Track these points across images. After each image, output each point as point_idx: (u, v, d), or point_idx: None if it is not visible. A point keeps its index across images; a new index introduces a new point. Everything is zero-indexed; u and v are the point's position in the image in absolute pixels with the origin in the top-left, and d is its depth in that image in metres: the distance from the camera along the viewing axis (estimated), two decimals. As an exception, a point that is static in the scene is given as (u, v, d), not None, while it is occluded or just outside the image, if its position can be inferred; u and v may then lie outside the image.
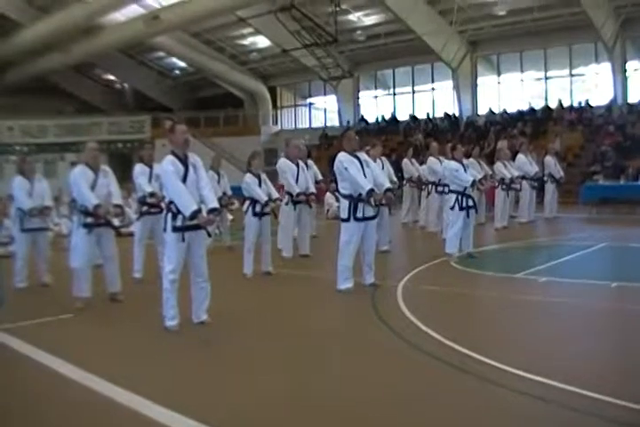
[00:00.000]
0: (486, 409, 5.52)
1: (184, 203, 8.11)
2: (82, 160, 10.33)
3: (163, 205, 8.99)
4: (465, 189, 13.00)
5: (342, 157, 10.47)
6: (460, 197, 12.93)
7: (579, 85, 34.76)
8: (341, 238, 10.57)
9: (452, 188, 13.27)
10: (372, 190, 10.15)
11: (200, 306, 8.59)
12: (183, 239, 8.28)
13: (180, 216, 8.21)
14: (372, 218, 10.58)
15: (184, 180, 8.29)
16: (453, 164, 13.23)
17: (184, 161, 8.39)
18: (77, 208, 10.12)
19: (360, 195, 10.24)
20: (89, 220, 9.90)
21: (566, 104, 33.35)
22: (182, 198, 8.14)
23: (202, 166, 8.63)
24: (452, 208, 13.04)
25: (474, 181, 13.05)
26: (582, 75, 34.66)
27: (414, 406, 5.64)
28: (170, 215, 8.31)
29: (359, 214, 10.34)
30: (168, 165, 8.28)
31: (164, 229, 8.43)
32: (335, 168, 10.55)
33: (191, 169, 8.39)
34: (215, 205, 8.47)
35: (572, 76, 34.61)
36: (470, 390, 5.94)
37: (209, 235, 8.90)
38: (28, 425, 5.60)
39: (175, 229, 8.27)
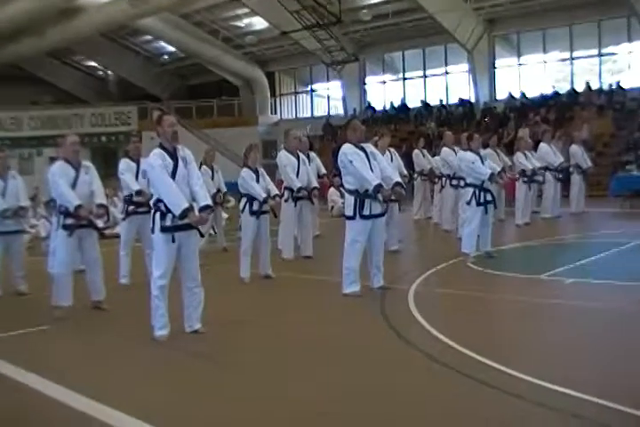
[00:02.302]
0: (506, 423, 5.53)
1: (174, 200, 8.09)
2: (61, 155, 10.29)
3: (151, 203, 8.98)
4: (482, 182, 13.00)
5: (347, 148, 10.45)
6: (477, 192, 12.93)
7: (609, 66, 34.55)
8: (347, 238, 10.56)
9: (468, 181, 13.28)
10: (379, 185, 10.12)
11: (193, 314, 8.58)
12: (173, 240, 8.24)
13: (169, 215, 8.18)
14: (380, 215, 10.58)
15: (173, 175, 8.27)
16: (469, 155, 13.23)
17: (173, 155, 8.37)
18: (57, 208, 10.11)
19: (367, 190, 10.22)
20: (69, 221, 9.86)
21: (595, 87, 33.12)
22: (172, 195, 8.12)
23: (193, 160, 8.62)
24: (469, 203, 13.05)
25: (492, 174, 13.02)
26: (613, 54, 34.33)
27: (430, 419, 5.65)
28: (158, 214, 8.28)
29: (366, 212, 10.33)
30: (156, 160, 8.26)
31: (152, 230, 8.41)
32: (339, 161, 10.53)
33: (181, 163, 8.37)
34: (208, 202, 8.45)
35: (601, 55, 34.24)
36: (490, 402, 5.94)
37: (202, 235, 8.93)
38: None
39: (164, 229, 8.24)
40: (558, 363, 6.98)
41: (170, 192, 8.14)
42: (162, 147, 8.41)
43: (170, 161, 8.31)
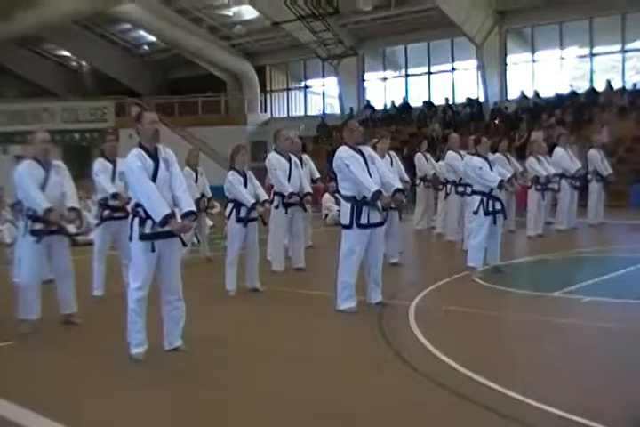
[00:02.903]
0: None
1: (154, 206, 8.06)
2: (29, 154, 10.30)
3: (128, 208, 8.98)
4: (491, 190, 13.02)
5: (343, 152, 10.47)
6: (485, 200, 12.93)
7: (633, 63, 34.44)
8: (342, 249, 10.57)
9: (475, 188, 13.28)
10: (378, 192, 10.15)
11: (173, 330, 8.58)
12: (153, 249, 8.22)
13: (148, 221, 8.17)
14: (379, 225, 10.60)
15: (154, 178, 8.24)
16: (476, 160, 13.23)
17: (154, 155, 8.36)
18: (23, 212, 10.12)
19: (364, 197, 10.25)
20: (38, 226, 9.86)
21: (617, 86, 33.14)
22: (152, 200, 8.08)
23: (175, 162, 8.60)
24: (476, 213, 13.05)
25: (501, 181, 13.03)
26: (638, 50, 34.14)
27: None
28: (137, 220, 8.26)
29: (363, 220, 10.34)
30: (135, 161, 8.23)
31: (130, 238, 8.40)
32: (335, 165, 10.57)
33: (162, 165, 8.34)
34: (191, 208, 8.41)
35: (624, 52, 34.11)
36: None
37: (184, 244, 8.92)
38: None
39: (143, 237, 8.22)
40: (574, 390, 6.97)
41: (150, 197, 8.09)
42: (141, 146, 8.39)
43: (150, 162, 8.28)
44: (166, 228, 8.12)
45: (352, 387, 7.31)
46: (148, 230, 8.23)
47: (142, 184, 8.17)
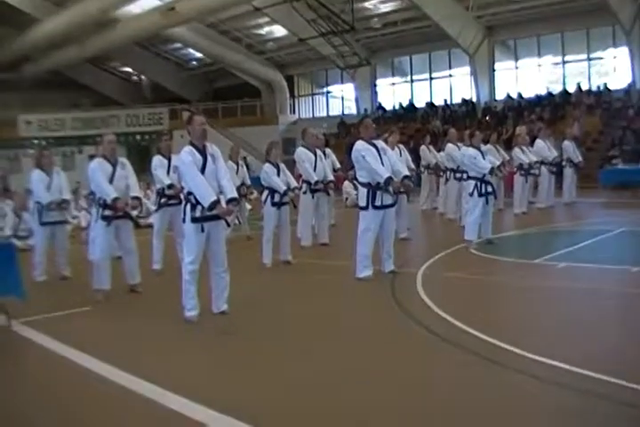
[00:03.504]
0: (513, 397, 5.54)
1: (203, 194, 8.11)
2: (99, 153, 10.37)
3: (182, 196, 8.99)
4: (483, 175, 12.98)
5: (360, 145, 10.46)
6: (478, 184, 12.91)
7: (597, 69, 34.40)
8: (359, 227, 10.56)
9: (470, 174, 13.25)
10: (390, 178, 10.16)
11: (220, 296, 8.61)
12: (203, 230, 8.28)
13: (198, 207, 8.21)
14: (391, 206, 10.59)
15: (203, 170, 8.29)
16: (472, 150, 13.20)
17: (202, 152, 8.39)
18: (96, 201, 10.17)
19: (378, 183, 10.23)
20: (107, 212, 9.94)
21: (585, 88, 33.06)
22: (201, 189, 8.14)
23: (220, 157, 8.62)
24: (472, 195, 13.02)
25: (492, 168, 13.02)
26: (600, 58, 34.24)
27: (438, 394, 5.65)
28: (189, 206, 8.32)
29: (377, 202, 10.34)
30: (187, 156, 8.28)
31: (184, 220, 8.43)
32: (353, 157, 10.54)
33: (210, 159, 8.39)
34: (234, 195, 8.45)
35: (589, 60, 34.18)
36: (497, 378, 5.95)
37: (228, 225, 8.92)
38: (48, 415, 5.66)
39: (194, 219, 8.28)
40: (554, 338, 7.00)
41: (199, 186, 8.15)
42: (192, 144, 8.42)
43: (199, 157, 8.32)
44: (213, 212, 8.16)
45: (369, 339, 7.36)
46: (198, 214, 8.27)
47: (193, 176, 8.21)
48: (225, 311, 8.62)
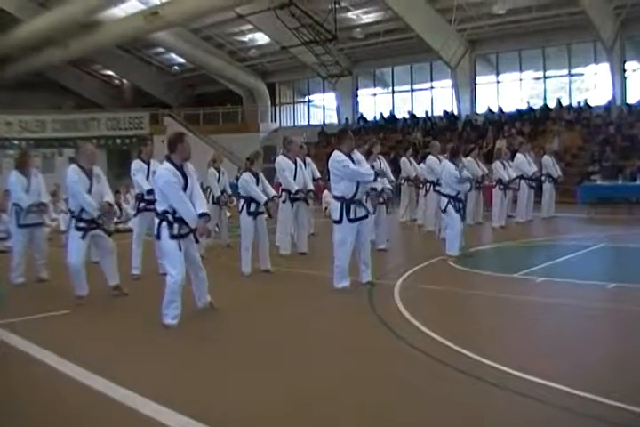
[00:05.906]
0: (483, 409, 5.56)
1: (187, 212, 8.45)
2: (78, 160, 10.19)
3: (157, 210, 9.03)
4: (457, 193, 13.04)
5: (338, 156, 10.44)
6: (452, 201, 12.98)
7: (577, 85, 34.74)
8: (335, 239, 10.58)
9: (444, 191, 13.24)
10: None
11: (200, 287, 9.04)
12: (180, 248, 8.53)
13: (175, 225, 8.49)
14: (365, 217, 10.62)
15: (184, 188, 8.58)
16: (452, 166, 13.18)
17: (181, 170, 8.63)
18: (71, 211, 10.07)
19: (353, 196, 10.35)
20: (81, 224, 9.91)
21: (565, 103, 33.31)
22: (187, 210, 8.48)
23: (194, 174, 8.89)
24: (444, 211, 13.11)
25: (469, 179, 13.27)
26: (581, 74, 34.58)
27: (413, 405, 5.65)
28: (165, 224, 8.54)
29: (352, 215, 10.38)
30: (171, 176, 8.53)
31: (158, 237, 8.63)
32: (331, 167, 10.51)
33: (189, 179, 8.68)
34: (205, 210, 8.68)
35: (570, 75, 34.46)
36: (468, 390, 5.96)
37: (197, 241, 8.97)
38: (20, 421, 5.62)
39: (173, 237, 8.49)
40: (529, 353, 7.02)
41: (185, 205, 8.48)
42: (171, 162, 8.63)
43: (181, 178, 8.59)
44: (193, 226, 8.50)
45: (341, 349, 7.41)
46: (175, 232, 8.51)
47: (179, 196, 8.49)
48: (212, 303, 9.07)
